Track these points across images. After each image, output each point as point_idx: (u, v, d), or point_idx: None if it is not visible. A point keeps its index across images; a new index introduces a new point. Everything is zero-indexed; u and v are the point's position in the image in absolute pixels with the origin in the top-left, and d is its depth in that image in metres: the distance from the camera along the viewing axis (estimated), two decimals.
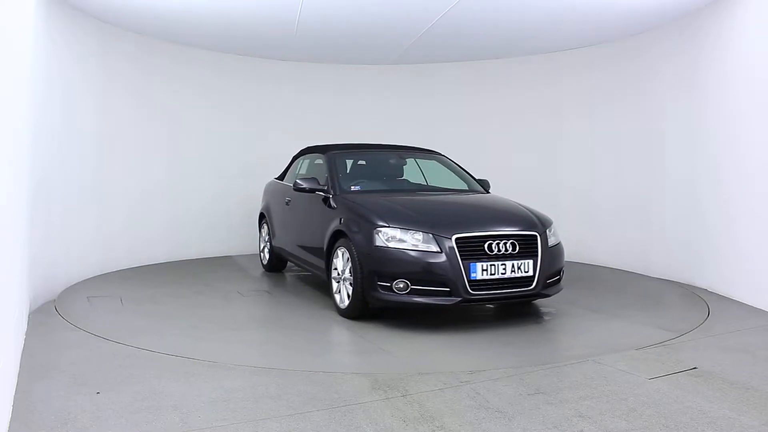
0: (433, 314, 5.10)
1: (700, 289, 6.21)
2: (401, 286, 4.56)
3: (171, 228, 7.78)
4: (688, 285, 6.41)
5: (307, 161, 6.72)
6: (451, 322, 4.95)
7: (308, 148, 6.89)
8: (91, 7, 6.23)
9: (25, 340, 4.23)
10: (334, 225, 5.12)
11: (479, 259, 4.56)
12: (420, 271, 4.54)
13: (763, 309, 5.30)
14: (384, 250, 4.63)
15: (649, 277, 6.96)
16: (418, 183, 6.28)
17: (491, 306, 5.41)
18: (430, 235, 4.59)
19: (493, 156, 8.53)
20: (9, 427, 2.83)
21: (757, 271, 5.43)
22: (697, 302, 5.63)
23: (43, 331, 4.49)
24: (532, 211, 5.26)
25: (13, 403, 3.11)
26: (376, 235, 4.68)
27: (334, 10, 6.35)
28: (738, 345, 4.27)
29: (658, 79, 6.95)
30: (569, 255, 8.03)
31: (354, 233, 4.85)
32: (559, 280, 5.13)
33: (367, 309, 4.81)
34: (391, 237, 4.65)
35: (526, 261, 4.74)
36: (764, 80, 5.31)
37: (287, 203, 6.45)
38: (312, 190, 5.66)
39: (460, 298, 4.50)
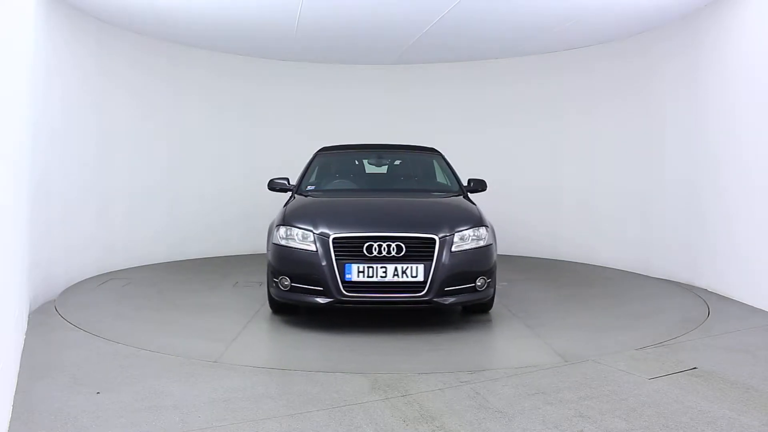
0: (434, 315, 5.10)
1: (700, 289, 6.21)
2: (285, 283, 4.63)
3: (171, 228, 7.78)
4: (687, 285, 6.41)
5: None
6: (450, 322, 4.94)
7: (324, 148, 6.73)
8: (91, 6, 6.23)
9: (25, 340, 4.23)
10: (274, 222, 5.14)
11: (355, 261, 4.43)
12: (298, 269, 4.57)
13: (762, 309, 5.30)
14: (276, 247, 4.74)
15: (649, 277, 6.96)
16: (390, 184, 6.12)
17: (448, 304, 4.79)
18: (312, 234, 4.59)
19: (494, 156, 8.53)
20: (9, 427, 2.83)
21: (756, 272, 5.43)
22: (697, 302, 5.63)
23: (43, 331, 4.49)
24: (464, 215, 4.86)
25: (13, 403, 3.11)
26: (276, 233, 4.80)
27: (334, 10, 6.35)
28: (738, 345, 4.27)
29: (659, 79, 6.95)
30: (569, 255, 8.14)
31: (269, 231, 5.04)
32: (473, 289, 4.61)
33: (277, 304, 4.93)
34: (284, 235, 4.72)
35: (415, 265, 4.42)
36: (764, 80, 5.31)
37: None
38: (282, 189, 5.73)
39: (332, 299, 4.44)
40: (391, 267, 4.40)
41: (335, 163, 6.32)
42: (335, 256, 4.45)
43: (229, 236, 8.31)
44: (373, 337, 4.47)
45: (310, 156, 6.15)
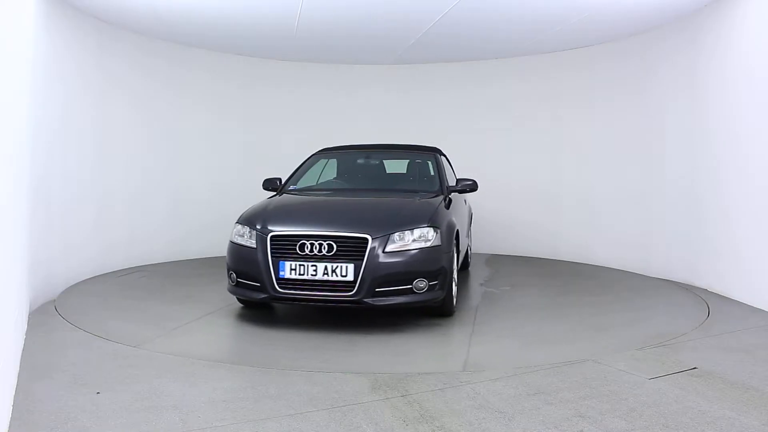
0: (436, 315, 5.11)
1: (700, 289, 6.21)
2: (233, 278, 4.86)
3: (171, 228, 7.78)
4: (687, 285, 6.41)
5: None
6: (450, 322, 4.95)
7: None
8: (91, 6, 6.23)
9: (25, 340, 4.23)
10: None
11: (289, 259, 4.52)
12: (241, 265, 4.76)
13: (762, 309, 5.30)
14: (229, 244, 4.97)
15: (649, 277, 6.96)
16: (374, 184, 6.14)
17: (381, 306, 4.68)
18: (254, 232, 4.73)
19: (494, 156, 8.54)
20: (9, 427, 2.83)
21: (756, 272, 5.43)
22: (697, 302, 5.63)
23: (43, 331, 4.49)
24: (413, 216, 4.79)
25: (13, 403, 3.11)
26: (233, 230, 4.99)
27: (334, 10, 6.35)
28: (738, 345, 4.27)
29: (659, 79, 6.95)
30: (569, 255, 8.13)
31: None
32: (410, 291, 4.53)
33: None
34: (236, 233, 4.93)
35: (345, 265, 4.43)
36: (764, 80, 5.31)
37: None
38: (274, 189, 5.92)
39: (266, 295, 4.58)
40: (321, 265, 4.45)
41: (328, 163, 6.45)
42: (272, 253, 4.56)
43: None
44: (374, 336, 4.47)
45: (309, 155, 6.19)
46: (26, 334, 4.37)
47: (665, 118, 6.86)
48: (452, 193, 5.74)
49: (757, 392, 3.36)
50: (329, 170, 6.45)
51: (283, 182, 5.96)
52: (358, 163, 6.44)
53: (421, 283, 4.54)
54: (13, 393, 3.21)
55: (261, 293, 4.62)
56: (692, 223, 6.43)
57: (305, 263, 4.47)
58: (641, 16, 6.51)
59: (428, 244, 4.64)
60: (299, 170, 6.22)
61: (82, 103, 6.45)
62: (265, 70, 8.63)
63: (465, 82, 8.83)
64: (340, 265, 4.43)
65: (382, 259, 4.47)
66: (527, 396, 3.26)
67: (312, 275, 4.45)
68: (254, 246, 4.68)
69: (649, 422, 2.93)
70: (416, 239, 4.62)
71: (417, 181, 6.14)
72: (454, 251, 5.07)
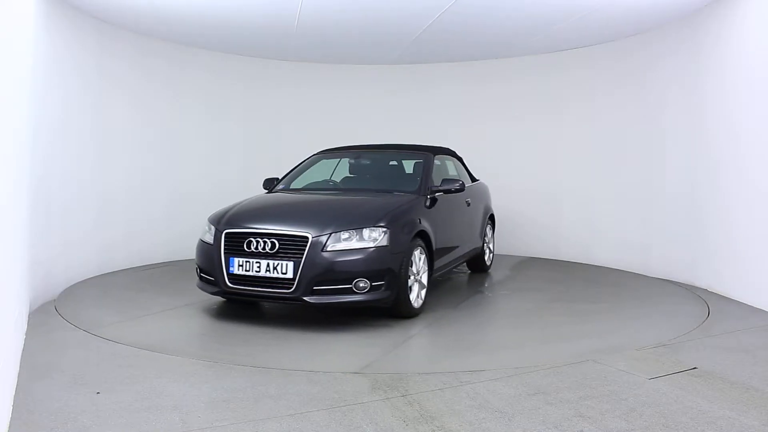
0: (432, 314, 5.10)
1: (700, 289, 6.21)
2: (197, 272, 5.11)
3: (171, 228, 7.77)
4: (688, 285, 6.41)
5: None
6: (448, 323, 4.95)
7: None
8: (91, 6, 6.23)
9: (25, 340, 4.23)
10: None
11: (237, 255, 4.68)
12: (202, 261, 4.99)
13: (762, 309, 5.30)
14: (198, 241, 5.19)
15: (649, 277, 6.96)
16: (358, 184, 6.14)
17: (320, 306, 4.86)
18: (214, 229, 4.94)
19: (493, 156, 8.53)
20: (9, 427, 2.83)
21: (756, 271, 5.43)
22: (697, 302, 5.63)
23: (43, 331, 4.49)
24: (364, 215, 4.80)
25: (13, 403, 3.11)
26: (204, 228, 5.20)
27: (334, 10, 6.35)
28: (738, 345, 4.27)
29: (659, 79, 6.95)
30: (569, 255, 8.13)
31: None
32: (350, 290, 4.53)
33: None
34: (203, 230, 5.16)
35: (285, 262, 4.52)
36: (764, 80, 5.31)
37: None
38: (267, 188, 6.16)
39: (219, 289, 4.79)
40: (264, 262, 4.58)
41: (325, 163, 6.51)
42: (224, 250, 4.75)
43: None
44: (374, 336, 4.47)
45: (309, 155, 6.21)
46: (26, 334, 4.37)
47: (665, 119, 6.86)
48: (437, 193, 5.61)
49: (757, 392, 3.36)
50: (325, 170, 6.49)
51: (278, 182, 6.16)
52: (349, 163, 6.50)
53: (361, 283, 4.55)
54: (13, 393, 3.22)
55: (215, 287, 4.84)
56: (692, 223, 6.43)
57: (251, 260, 4.62)
58: (641, 16, 6.51)
59: (373, 244, 4.64)
60: (294, 170, 6.38)
61: (82, 103, 6.45)
62: (265, 70, 8.62)
63: (465, 82, 8.82)
64: (281, 262, 4.54)
65: (322, 257, 4.52)
66: (527, 396, 3.26)
67: (256, 272, 4.60)
68: (212, 243, 4.87)
69: (649, 422, 2.93)
70: (361, 239, 4.64)
71: (398, 180, 6.07)
72: (417, 252, 4.99)
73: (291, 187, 6.13)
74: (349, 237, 4.62)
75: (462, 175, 6.93)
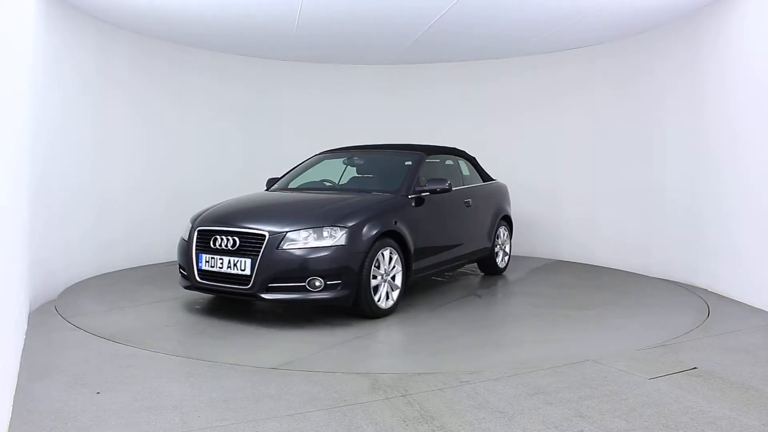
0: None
1: (700, 289, 6.21)
2: (178, 268, 5.30)
3: (171, 228, 7.75)
4: (687, 285, 6.41)
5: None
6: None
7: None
8: (91, 6, 6.23)
9: (25, 340, 4.23)
10: None
11: (205, 252, 4.89)
12: (179, 257, 5.21)
13: (763, 309, 5.30)
14: (179, 238, 5.36)
15: (649, 277, 6.96)
16: (345, 184, 6.16)
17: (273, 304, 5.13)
18: (190, 227, 5.16)
19: (493, 156, 8.52)
20: (9, 427, 2.83)
21: (756, 271, 5.43)
22: (697, 302, 5.63)
23: (43, 331, 4.49)
24: (323, 215, 4.85)
25: (13, 403, 3.11)
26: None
27: (334, 10, 6.35)
28: (738, 345, 4.27)
29: (659, 79, 6.95)
30: (569, 255, 8.13)
31: None
32: (304, 288, 4.57)
33: None
34: (186, 227, 5.30)
35: (244, 259, 4.66)
36: (764, 80, 5.31)
37: None
38: (269, 187, 6.34)
39: (190, 284, 5.01)
40: (226, 259, 4.75)
41: (324, 164, 6.53)
42: (195, 246, 4.96)
43: None
44: (374, 336, 4.46)
45: (310, 155, 6.22)
46: (26, 334, 4.37)
47: (665, 119, 6.86)
48: (424, 193, 5.55)
49: (757, 392, 3.36)
50: (325, 170, 6.49)
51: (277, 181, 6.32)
52: (344, 164, 6.52)
53: (316, 282, 4.59)
54: (13, 393, 3.22)
55: (187, 282, 5.05)
56: (692, 223, 6.43)
57: (215, 256, 4.82)
58: (641, 16, 6.51)
59: (329, 242, 4.67)
60: (293, 170, 6.48)
61: (82, 103, 6.45)
62: (265, 70, 8.62)
63: (465, 82, 8.82)
64: (240, 259, 4.69)
65: (276, 255, 4.61)
66: (527, 396, 3.26)
67: (219, 268, 4.78)
68: (187, 239, 5.10)
69: (649, 422, 2.93)
70: (319, 238, 4.67)
71: (384, 181, 5.95)
72: (386, 253, 4.96)
73: (288, 186, 6.20)
74: (308, 236, 4.67)
75: (473, 175, 6.89)
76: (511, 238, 7.46)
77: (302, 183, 6.30)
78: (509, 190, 7.62)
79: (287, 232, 4.67)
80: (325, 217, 4.83)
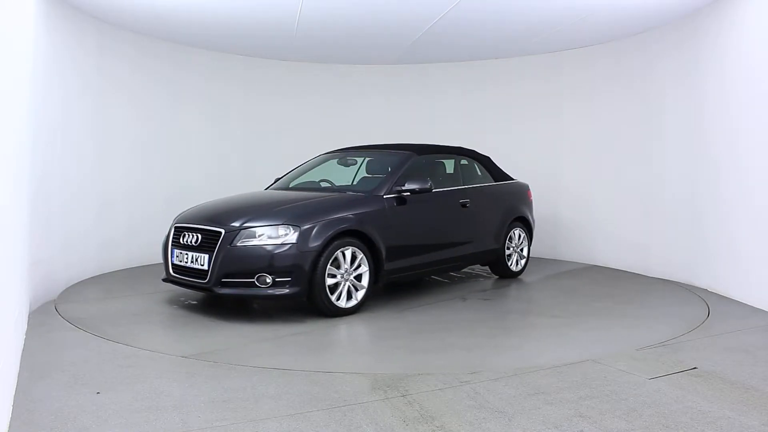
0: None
1: (700, 289, 6.21)
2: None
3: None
4: (687, 285, 6.41)
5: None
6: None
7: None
8: (91, 6, 6.23)
9: (25, 340, 4.23)
10: None
11: (176, 247, 5.16)
12: (162, 252, 5.45)
13: (763, 309, 5.30)
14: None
15: (649, 277, 6.96)
16: (335, 183, 6.22)
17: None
18: (172, 224, 5.42)
19: (493, 156, 8.52)
20: (9, 427, 2.83)
21: (756, 271, 5.43)
22: (697, 302, 5.63)
23: (43, 331, 4.49)
24: (278, 213, 4.96)
25: (13, 403, 3.11)
26: None
27: (334, 10, 6.35)
28: (738, 345, 4.27)
29: (658, 79, 6.95)
30: (568, 255, 8.13)
31: None
32: (253, 284, 4.71)
33: None
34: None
35: (203, 255, 4.89)
36: (764, 80, 5.31)
37: None
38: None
39: (165, 276, 5.30)
40: (191, 254, 5.00)
41: (318, 164, 6.57)
42: (171, 242, 5.23)
43: None
44: (374, 336, 4.46)
45: (311, 155, 6.22)
46: (26, 334, 4.37)
47: (665, 119, 6.86)
48: (405, 193, 5.51)
49: (757, 392, 3.36)
50: (323, 170, 6.49)
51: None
52: (337, 164, 6.55)
53: (267, 279, 4.73)
54: (13, 393, 3.22)
55: (164, 274, 5.32)
56: (692, 223, 6.43)
57: (183, 252, 5.08)
58: (641, 16, 6.51)
59: (281, 240, 4.78)
60: (293, 170, 6.55)
61: (82, 103, 6.45)
62: (264, 70, 8.62)
63: (465, 82, 8.82)
64: (200, 255, 4.92)
65: (229, 251, 4.79)
66: (527, 396, 3.26)
67: (185, 263, 5.04)
68: (167, 235, 5.39)
69: (649, 422, 2.93)
70: (272, 236, 4.80)
71: (370, 181, 5.93)
72: (348, 252, 4.97)
73: (287, 187, 6.27)
74: (261, 234, 4.81)
75: (484, 175, 6.82)
76: (530, 241, 7.16)
77: (299, 183, 6.32)
78: (532, 191, 7.34)
79: (242, 229, 4.84)
80: (278, 215, 4.97)
